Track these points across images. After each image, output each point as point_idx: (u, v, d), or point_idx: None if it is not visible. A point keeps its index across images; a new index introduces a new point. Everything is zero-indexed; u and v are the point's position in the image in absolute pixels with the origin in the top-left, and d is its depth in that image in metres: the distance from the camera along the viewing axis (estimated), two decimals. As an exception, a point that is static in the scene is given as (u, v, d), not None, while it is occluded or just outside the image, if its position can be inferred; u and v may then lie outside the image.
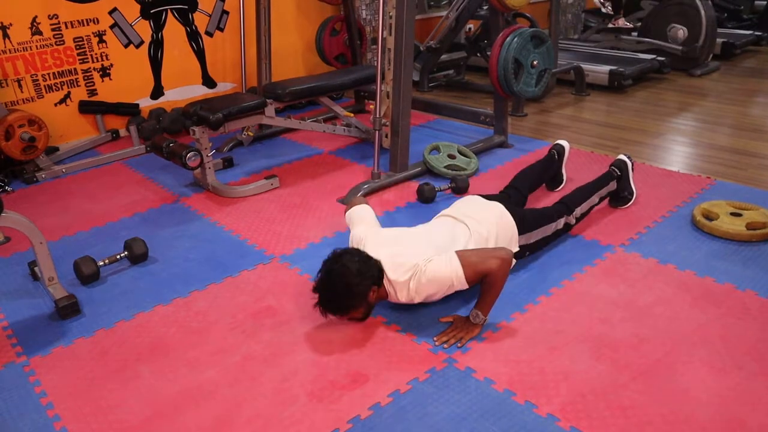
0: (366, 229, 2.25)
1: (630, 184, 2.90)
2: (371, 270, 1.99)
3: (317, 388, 1.84)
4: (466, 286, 1.99)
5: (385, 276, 2.02)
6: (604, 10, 6.16)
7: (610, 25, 6.18)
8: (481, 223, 2.24)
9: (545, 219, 2.46)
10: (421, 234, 2.23)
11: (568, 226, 2.56)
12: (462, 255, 1.98)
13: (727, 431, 1.63)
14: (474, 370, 1.88)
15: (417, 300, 2.04)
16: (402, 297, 2.03)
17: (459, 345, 1.99)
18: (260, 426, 1.72)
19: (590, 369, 1.87)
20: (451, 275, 1.96)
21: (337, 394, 1.82)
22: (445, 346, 1.99)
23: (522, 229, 2.33)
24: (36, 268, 2.40)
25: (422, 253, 2.03)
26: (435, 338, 2.03)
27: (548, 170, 3.04)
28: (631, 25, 6.06)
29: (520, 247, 2.33)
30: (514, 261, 2.06)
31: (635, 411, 1.70)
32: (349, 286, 1.94)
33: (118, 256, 2.56)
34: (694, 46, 5.30)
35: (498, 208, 2.34)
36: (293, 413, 1.75)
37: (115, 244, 2.70)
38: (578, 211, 2.58)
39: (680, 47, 5.36)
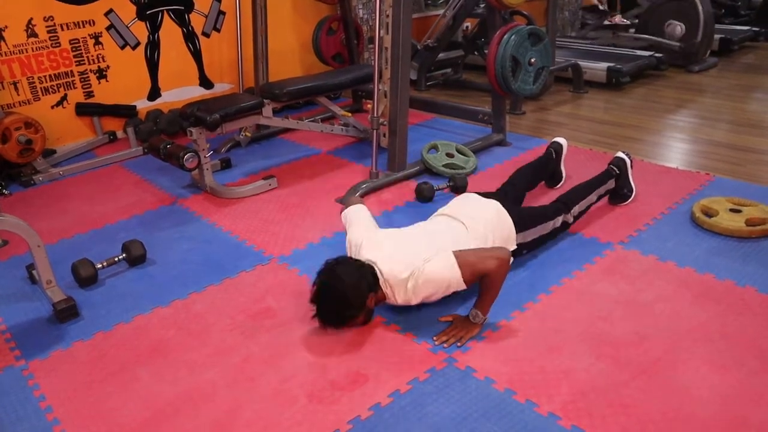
0: (362, 232, 2.23)
1: (629, 181, 2.89)
2: (366, 277, 1.98)
3: (317, 389, 1.84)
4: (464, 287, 1.99)
5: (382, 278, 2.01)
6: (601, 7, 6.17)
7: (607, 22, 6.20)
8: (477, 221, 2.23)
9: (542, 218, 2.45)
10: (417, 234, 2.22)
11: (566, 225, 2.56)
12: (459, 255, 1.97)
13: (728, 429, 1.63)
14: (474, 370, 1.88)
15: (414, 301, 2.03)
16: (399, 298, 2.02)
17: (459, 344, 1.98)
18: (260, 428, 1.71)
19: (591, 367, 1.87)
20: (449, 276, 1.95)
21: (336, 395, 1.81)
22: (445, 345, 1.99)
23: (519, 227, 2.32)
24: (34, 272, 2.39)
25: (420, 253, 2.02)
26: (435, 338, 2.02)
27: (546, 168, 3.04)
28: (628, 22, 6.07)
29: (517, 245, 2.32)
30: (511, 259, 2.05)
31: (636, 409, 1.70)
32: (345, 298, 1.95)
33: (116, 259, 2.56)
34: (692, 42, 5.29)
35: (495, 206, 2.33)
36: (293, 414, 1.75)
37: (113, 246, 2.69)
38: (576, 209, 2.57)
39: (678, 43, 5.36)
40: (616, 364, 1.88)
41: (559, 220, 2.50)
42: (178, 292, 2.39)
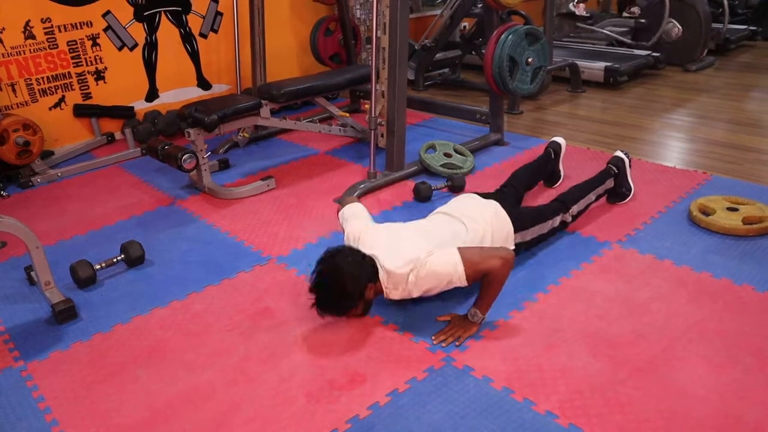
0: (360, 226, 2.24)
1: (628, 180, 2.90)
2: (365, 267, 1.98)
3: (315, 389, 1.84)
4: (465, 284, 1.98)
5: (381, 270, 2.01)
6: (579, 12, 6.08)
7: (571, 7, 6.05)
8: (476, 220, 2.24)
9: (541, 217, 2.45)
10: (417, 229, 2.22)
11: (564, 224, 2.56)
12: (464, 252, 1.97)
13: (724, 427, 1.63)
14: (472, 369, 1.88)
15: (415, 294, 2.02)
16: (399, 291, 2.01)
17: (457, 343, 1.99)
18: (258, 427, 1.71)
19: (588, 366, 1.87)
20: (452, 271, 1.94)
21: (335, 395, 1.81)
22: (443, 344, 1.99)
23: (518, 227, 2.33)
24: (32, 273, 2.40)
25: (421, 247, 2.02)
26: (433, 337, 2.03)
27: (545, 168, 3.05)
28: (588, 14, 6.00)
29: (516, 245, 2.33)
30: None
31: (633, 407, 1.71)
32: (343, 288, 1.94)
33: (115, 260, 2.56)
34: (646, 23, 5.45)
35: (493, 206, 2.33)
36: (292, 414, 1.75)
37: (112, 247, 2.69)
38: (575, 208, 2.58)
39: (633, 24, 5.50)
40: (613, 362, 1.88)
41: (557, 220, 2.50)
42: (176, 293, 2.40)
